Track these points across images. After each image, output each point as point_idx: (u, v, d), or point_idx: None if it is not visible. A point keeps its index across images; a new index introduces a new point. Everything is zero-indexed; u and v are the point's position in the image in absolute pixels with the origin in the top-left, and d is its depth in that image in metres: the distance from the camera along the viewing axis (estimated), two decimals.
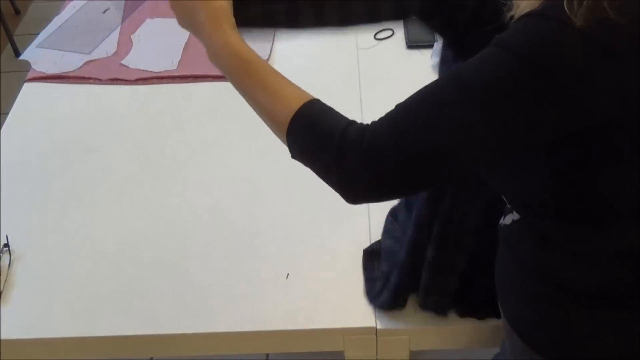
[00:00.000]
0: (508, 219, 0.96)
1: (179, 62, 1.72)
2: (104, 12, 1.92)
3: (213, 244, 1.28)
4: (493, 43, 0.74)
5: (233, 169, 1.43)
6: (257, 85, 0.86)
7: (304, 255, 1.25)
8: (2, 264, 1.26)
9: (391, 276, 1.14)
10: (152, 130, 1.54)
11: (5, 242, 1.29)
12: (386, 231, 1.24)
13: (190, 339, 1.16)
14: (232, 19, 0.90)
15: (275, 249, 1.27)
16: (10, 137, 1.55)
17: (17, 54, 3.25)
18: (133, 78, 1.69)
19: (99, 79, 1.69)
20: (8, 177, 1.45)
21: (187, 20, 0.93)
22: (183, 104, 1.60)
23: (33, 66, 1.74)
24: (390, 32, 1.76)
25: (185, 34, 1.80)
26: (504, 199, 0.94)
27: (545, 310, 0.92)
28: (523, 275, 0.94)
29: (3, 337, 1.16)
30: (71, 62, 1.74)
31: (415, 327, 1.14)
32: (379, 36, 1.75)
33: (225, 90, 1.62)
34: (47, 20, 1.92)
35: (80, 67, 1.73)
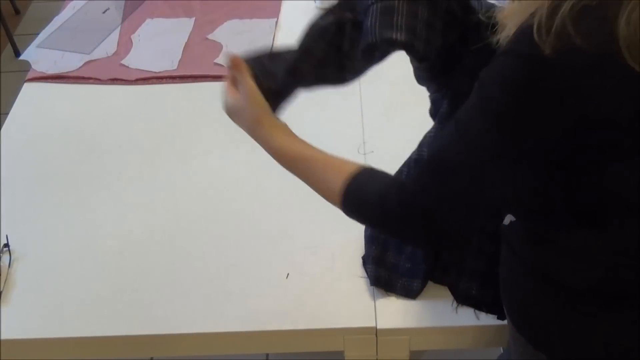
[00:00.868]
0: (507, 219, 0.96)
1: (179, 62, 1.72)
2: (104, 12, 1.92)
3: (213, 244, 1.28)
4: (475, 87, 0.79)
5: (233, 169, 1.43)
6: (305, 177, 0.97)
7: (304, 255, 1.25)
8: (2, 264, 1.26)
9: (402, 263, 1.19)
10: (152, 130, 1.54)
11: (5, 242, 1.29)
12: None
13: (190, 339, 1.16)
14: (269, 112, 1.00)
15: (275, 249, 1.27)
16: (10, 137, 1.55)
17: (17, 54, 3.25)
18: (133, 78, 1.69)
19: (99, 79, 1.69)
20: (8, 177, 1.45)
21: (241, 125, 1.03)
22: (183, 104, 1.60)
23: (33, 66, 1.75)
24: None
25: (185, 34, 1.80)
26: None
27: (546, 309, 0.92)
28: (524, 274, 0.94)
29: (3, 337, 1.16)
30: (71, 62, 1.75)
31: (415, 327, 1.14)
32: None
33: None
34: (47, 20, 1.93)
35: (80, 67, 1.73)
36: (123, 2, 1.95)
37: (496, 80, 0.76)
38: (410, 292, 1.17)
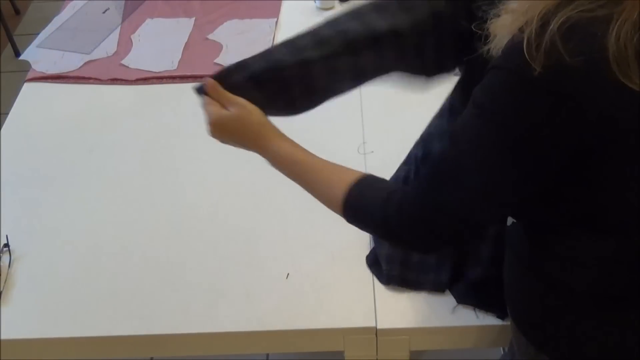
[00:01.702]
0: (509, 220, 0.97)
1: (179, 62, 1.72)
2: (104, 12, 1.92)
3: (213, 244, 1.28)
4: (471, 101, 0.80)
5: (233, 169, 1.43)
6: (307, 184, 0.98)
7: (304, 255, 1.25)
8: (2, 264, 1.26)
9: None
10: (152, 130, 1.54)
11: (5, 242, 1.29)
12: None
13: (190, 339, 1.16)
14: (271, 126, 1.00)
15: (275, 248, 1.27)
16: (10, 137, 1.55)
17: (17, 54, 3.25)
18: (133, 78, 1.69)
19: (99, 79, 1.69)
20: (8, 177, 1.45)
21: (242, 147, 1.03)
22: (183, 104, 1.60)
23: (33, 66, 1.75)
24: None
25: (185, 34, 1.80)
26: None
27: (548, 309, 0.92)
28: (526, 275, 0.94)
29: (3, 337, 1.16)
30: (71, 62, 1.75)
31: (415, 327, 1.14)
32: None
33: None
34: (47, 20, 1.93)
35: (80, 67, 1.73)
36: (123, 2, 1.95)
37: (489, 94, 0.77)
38: (439, 286, 1.17)
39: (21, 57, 1.81)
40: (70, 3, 1.98)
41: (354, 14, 1.02)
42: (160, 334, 1.16)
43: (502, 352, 1.26)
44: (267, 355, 1.87)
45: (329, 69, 1.00)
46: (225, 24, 1.85)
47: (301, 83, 1.00)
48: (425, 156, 1.14)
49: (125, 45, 1.79)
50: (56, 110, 1.62)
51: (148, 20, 1.87)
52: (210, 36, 1.80)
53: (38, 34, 1.87)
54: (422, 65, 1.03)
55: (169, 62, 1.72)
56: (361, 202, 0.91)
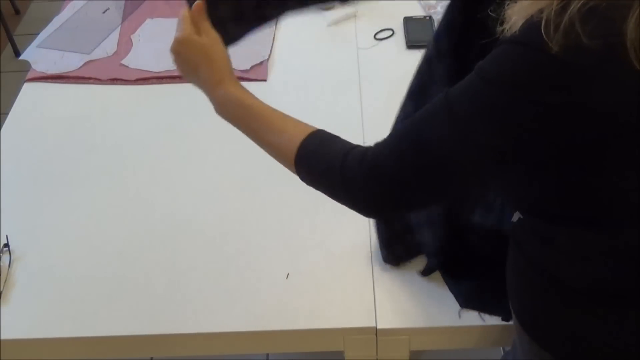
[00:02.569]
0: (515, 216, 0.97)
1: None
2: (104, 12, 1.92)
3: (213, 244, 1.28)
4: (475, 71, 0.78)
5: (233, 169, 1.43)
6: (261, 126, 0.94)
7: (304, 255, 1.25)
8: (2, 264, 1.26)
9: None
10: (151, 130, 1.54)
11: (5, 242, 1.29)
12: None
13: (190, 339, 1.16)
14: (232, 71, 0.99)
15: (275, 248, 1.27)
16: (10, 137, 1.55)
17: (17, 54, 3.25)
18: (133, 78, 1.69)
19: (99, 79, 1.69)
20: (8, 177, 1.45)
21: (190, 76, 1.01)
22: (183, 104, 1.60)
23: (33, 66, 1.74)
24: (390, 32, 1.76)
25: None
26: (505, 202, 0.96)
27: (551, 307, 0.92)
28: (529, 272, 0.94)
29: (3, 337, 1.16)
30: (71, 62, 1.74)
31: (415, 327, 1.14)
32: (379, 36, 1.75)
33: None
34: (47, 20, 1.92)
35: (80, 67, 1.73)
36: (123, 2, 1.95)
37: (497, 66, 0.76)
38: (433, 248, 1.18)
39: (21, 57, 1.80)
40: (70, 3, 1.98)
41: None
42: (160, 334, 1.16)
43: (503, 352, 1.26)
44: (267, 355, 1.87)
45: None
46: None
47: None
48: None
49: (125, 45, 1.79)
50: (56, 110, 1.62)
51: (148, 20, 1.87)
52: None
53: (38, 34, 1.87)
54: None
55: (169, 62, 1.70)
56: (320, 147, 0.89)
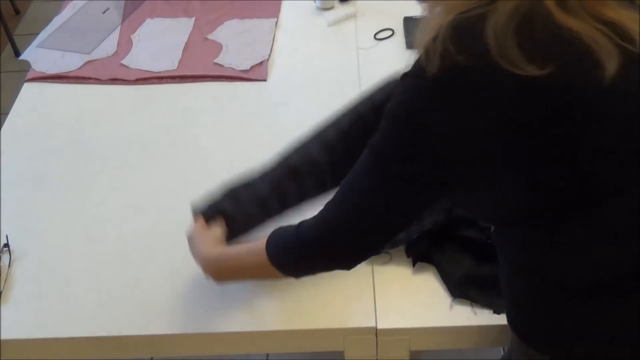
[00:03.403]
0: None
1: (179, 62, 1.71)
2: (104, 12, 1.93)
3: None
4: (384, 115, 0.85)
5: (234, 169, 1.43)
6: (238, 270, 1.08)
7: None
8: (2, 264, 1.26)
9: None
10: (151, 131, 1.54)
11: (5, 242, 1.29)
12: None
13: (190, 339, 1.16)
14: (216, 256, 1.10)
15: None
16: (10, 137, 1.55)
17: (17, 54, 3.25)
18: (133, 78, 1.69)
19: (99, 79, 1.69)
20: (8, 177, 1.45)
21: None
22: (183, 104, 1.60)
23: (33, 66, 1.75)
24: (390, 32, 1.76)
25: (185, 34, 1.80)
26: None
27: (539, 308, 0.92)
28: (515, 276, 0.94)
29: (3, 337, 1.16)
30: (71, 62, 1.74)
31: (415, 327, 1.14)
32: (379, 36, 1.75)
33: (225, 91, 1.63)
34: (47, 20, 1.92)
35: (80, 67, 1.73)
36: (123, 2, 1.95)
37: (394, 102, 0.83)
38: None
39: (21, 57, 1.81)
40: (70, 3, 1.98)
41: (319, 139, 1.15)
42: (160, 334, 1.16)
43: (502, 352, 1.26)
44: (267, 355, 1.87)
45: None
46: (225, 24, 1.85)
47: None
48: None
49: (125, 45, 1.79)
50: (56, 110, 1.62)
51: (148, 20, 1.87)
52: (210, 36, 1.80)
53: (38, 34, 1.87)
54: None
55: (169, 62, 1.72)
56: (280, 247, 0.99)
